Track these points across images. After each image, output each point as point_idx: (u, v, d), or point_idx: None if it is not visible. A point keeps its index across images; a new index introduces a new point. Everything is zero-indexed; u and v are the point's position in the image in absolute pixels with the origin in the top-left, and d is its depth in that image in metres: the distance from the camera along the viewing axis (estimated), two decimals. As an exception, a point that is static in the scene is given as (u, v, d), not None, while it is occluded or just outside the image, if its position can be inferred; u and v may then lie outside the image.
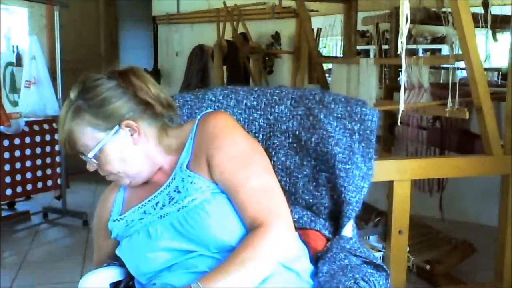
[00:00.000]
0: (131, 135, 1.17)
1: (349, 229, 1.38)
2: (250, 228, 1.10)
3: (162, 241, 1.13)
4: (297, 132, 1.36)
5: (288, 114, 1.38)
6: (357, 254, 1.29)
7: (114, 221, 1.23)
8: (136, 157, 1.18)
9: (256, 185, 1.13)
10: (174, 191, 1.16)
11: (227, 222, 1.11)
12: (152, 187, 1.22)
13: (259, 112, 1.39)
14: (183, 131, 1.23)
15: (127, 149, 1.17)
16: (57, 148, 3.87)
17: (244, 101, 1.40)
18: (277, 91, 1.41)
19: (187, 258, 1.12)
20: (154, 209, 1.18)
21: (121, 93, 1.16)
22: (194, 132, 1.20)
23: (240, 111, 1.39)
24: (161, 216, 1.16)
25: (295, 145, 1.36)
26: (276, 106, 1.39)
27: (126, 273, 1.26)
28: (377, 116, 1.37)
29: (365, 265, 1.27)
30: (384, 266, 1.29)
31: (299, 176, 1.37)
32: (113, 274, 1.27)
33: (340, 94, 1.42)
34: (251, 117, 1.39)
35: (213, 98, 1.39)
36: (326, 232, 1.35)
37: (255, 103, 1.40)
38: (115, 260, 1.29)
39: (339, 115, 1.36)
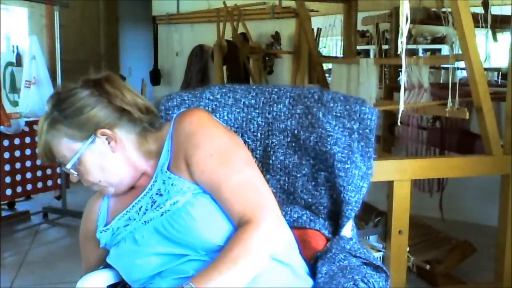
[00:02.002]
0: (108, 143, 1.15)
1: (348, 229, 1.37)
2: (239, 225, 1.08)
3: (149, 247, 1.12)
4: (295, 131, 1.34)
5: (287, 112, 1.36)
6: (357, 255, 1.28)
7: (101, 232, 1.22)
8: (116, 165, 1.17)
9: (239, 180, 1.10)
10: (156, 194, 1.15)
11: (213, 223, 1.09)
12: (136, 192, 1.20)
13: (257, 111, 1.38)
14: (162, 133, 1.21)
15: (106, 157, 1.16)
16: (57, 148, 3.88)
17: (242, 100, 1.38)
18: (276, 90, 1.39)
19: (178, 264, 1.11)
20: (138, 214, 1.16)
21: (95, 102, 1.14)
22: (171, 132, 1.18)
23: (238, 110, 1.37)
24: (145, 221, 1.14)
25: (293, 144, 1.35)
26: (275, 105, 1.37)
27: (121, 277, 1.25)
28: (376, 115, 1.36)
29: (365, 266, 1.26)
30: (384, 268, 1.28)
31: (298, 175, 1.35)
32: (110, 276, 1.26)
33: (339, 92, 1.40)
34: (249, 116, 1.37)
35: (211, 97, 1.38)
36: (326, 232, 1.34)
37: (253, 101, 1.39)
38: None
39: (338, 114, 1.35)
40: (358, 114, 1.35)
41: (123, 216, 1.19)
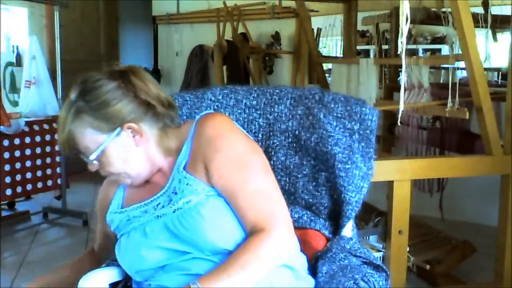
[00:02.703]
0: (133, 136, 1.15)
1: (348, 229, 1.38)
2: (251, 233, 1.09)
3: (156, 240, 1.13)
4: (296, 132, 1.36)
5: (288, 113, 1.37)
6: (357, 254, 1.29)
7: (115, 213, 1.23)
8: (138, 159, 1.17)
9: (255, 188, 1.11)
10: (172, 192, 1.16)
11: (221, 225, 1.10)
12: (151, 188, 1.21)
13: (258, 112, 1.39)
14: (182, 132, 1.22)
15: (129, 151, 1.16)
16: (57, 148, 3.86)
17: (244, 101, 1.40)
18: (277, 91, 1.40)
19: (181, 260, 1.12)
20: (155, 209, 1.17)
21: (122, 95, 1.13)
22: (192, 133, 1.18)
23: (239, 111, 1.38)
24: (157, 216, 1.15)
25: (294, 145, 1.36)
26: (276, 106, 1.38)
27: (125, 273, 1.25)
28: (377, 115, 1.37)
29: (365, 266, 1.27)
30: (384, 267, 1.29)
31: (299, 176, 1.36)
32: (112, 274, 1.27)
33: (340, 93, 1.41)
34: (250, 117, 1.38)
35: (213, 98, 1.39)
36: (326, 232, 1.35)
37: (254, 102, 1.40)
38: (114, 260, 1.28)
39: (339, 115, 1.35)
40: (358, 115, 1.36)
41: (139, 207, 1.20)
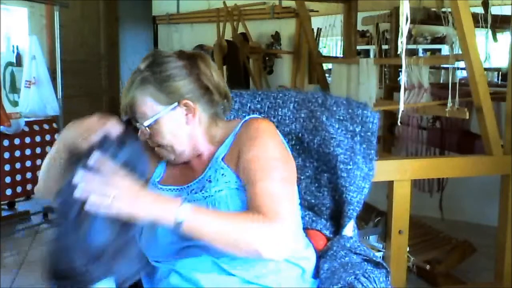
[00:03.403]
0: (186, 114, 1.21)
1: (350, 229, 1.40)
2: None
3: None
4: (300, 134, 1.40)
5: (291, 116, 1.42)
6: (358, 252, 1.32)
7: (153, 184, 1.27)
8: (184, 137, 1.22)
9: (268, 189, 1.12)
10: (207, 180, 1.20)
11: None
12: (188, 174, 1.25)
13: (262, 115, 1.42)
14: (229, 127, 1.28)
15: (179, 126, 1.21)
16: (57, 148, 3.87)
17: (248, 104, 1.45)
18: (280, 95, 1.45)
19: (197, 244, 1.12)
20: (188, 195, 1.21)
21: (186, 74, 1.20)
22: (237, 131, 1.24)
23: (244, 114, 1.42)
24: (188, 200, 1.16)
25: (298, 147, 1.41)
26: (280, 109, 1.43)
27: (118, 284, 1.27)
28: (378, 118, 1.41)
29: (365, 263, 1.30)
30: (384, 264, 1.31)
31: (302, 177, 1.40)
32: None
33: (342, 97, 1.46)
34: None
35: None
36: (327, 232, 1.38)
37: (258, 106, 1.45)
38: None
39: (341, 117, 1.40)
40: (360, 118, 1.40)
41: (175, 191, 1.23)
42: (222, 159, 1.22)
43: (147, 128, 1.20)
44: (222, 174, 1.18)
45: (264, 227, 1.05)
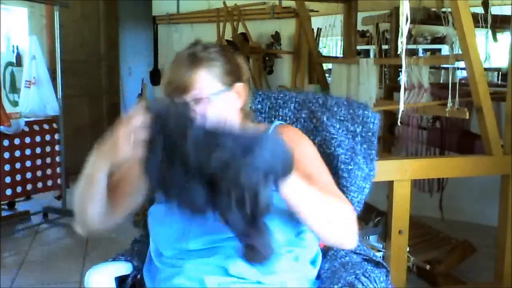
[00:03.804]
0: (238, 98, 1.24)
1: None
2: None
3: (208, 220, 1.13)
4: None
5: (292, 117, 1.44)
6: (358, 252, 1.33)
7: None
8: (231, 119, 1.24)
9: (327, 179, 1.20)
10: None
11: (276, 220, 1.12)
12: None
13: (263, 115, 1.44)
14: (258, 127, 1.31)
15: (225, 109, 1.21)
16: (57, 148, 3.87)
17: (249, 105, 1.43)
18: (281, 95, 1.47)
19: (223, 239, 1.11)
20: None
21: (245, 61, 1.28)
22: (272, 131, 1.27)
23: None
24: None
25: None
26: (280, 109, 1.45)
27: (133, 267, 1.28)
28: (378, 118, 1.42)
29: (366, 262, 1.31)
30: (384, 264, 1.32)
31: None
32: (119, 268, 1.29)
33: (343, 97, 1.47)
34: (255, 121, 1.43)
35: None
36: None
37: (259, 106, 1.46)
38: (121, 255, 1.31)
39: (342, 118, 1.41)
40: (361, 118, 1.41)
41: None
42: None
43: (193, 103, 1.18)
44: None
45: (350, 217, 1.09)
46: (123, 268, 1.29)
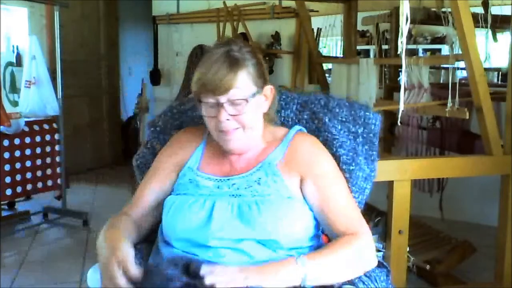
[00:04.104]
0: (265, 100, 1.28)
1: None
2: (343, 236, 1.22)
3: (223, 215, 1.19)
4: None
5: (294, 118, 1.46)
6: None
7: (193, 170, 1.30)
8: (260, 121, 1.29)
9: (346, 200, 1.27)
10: (255, 181, 1.24)
11: (293, 226, 1.19)
12: (226, 166, 1.29)
13: None
14: (276, 131, 1.34)
15: (259, 110, 1.27)
16: (57, 148, 3.87)
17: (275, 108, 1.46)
18: (283, 97, 1.48)
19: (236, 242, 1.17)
20: (229, 188, 1.24)
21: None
22: (290, 140, 1.31)
23: None
24: (233, 195, 1.22)
25: None
26: (283, 111, 1.47)
27: (137, 260, 1.28)
28: (380, 120, 1.45)
29: None
30: (385, 263, 1.34)
31: None
32: None
33: (344, 99, 1.49)
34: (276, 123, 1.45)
35: None
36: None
37: None
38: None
39: (343, 119, 1.43)
40: (362, 119, 1.43)
41: (214, 180, 1.26)
42: (275, 165, 1.26)
43: (227, 103, 1.20)
44: (274, 181, 1.23)
45: (365, 248, 1.22)
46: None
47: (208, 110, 1.22)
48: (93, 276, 1.25)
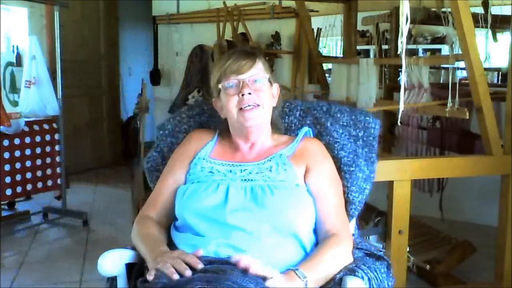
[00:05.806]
0: (277, 94, 1.44)
1: (352, 227, 1.49)
2: (325, 234, 1.31)
3: (237, 199, 1.27)
4: None
5: (297, 123, 1.55)
6: (359, 247, 1.40)
7: (203, 159, 1.40)
8: (271, 107, 1.42)
9: (338, 202, 1.38)
10: (266, 168, 1.34)
11: (303, 213, 1.30)
12: (238, 154, 1.40)
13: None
14: (283, 138, 1.47)
15: (270, 96, 1.41)
16: (57, 148, 3.87)
17: (279, 114, 1.55)
18: (287, 104, 1.59)
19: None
20: (241, 172, 1.34)
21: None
22: (300, 139, 1.44)
23: None
24: (245, 179, 1.31)
25: None
26: (286, 117, 1.57)
27: (138, 257, 1.33)
28: (379, 124, 1.53)
29: (367, 257, 1.36)
30: (385, 257, 1.38)
31: None
32: (128, 255, 1.36)
33: (345, 105, 1.60)
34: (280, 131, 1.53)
35: None
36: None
37: None
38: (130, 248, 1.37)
39: (345, 123, 1.53)
40: (363, 123, 1.52)
41: (226, 165, 1.38)
42: (286, 157, 1.37)
43: (250, 80, 1.35)
44: (285, 170, 1.33)
45: (347, 249, 1.31)
46: (132, 256, 1.36)
47: (229, 90, 1.36)
48: (104, 260, 1.33)
